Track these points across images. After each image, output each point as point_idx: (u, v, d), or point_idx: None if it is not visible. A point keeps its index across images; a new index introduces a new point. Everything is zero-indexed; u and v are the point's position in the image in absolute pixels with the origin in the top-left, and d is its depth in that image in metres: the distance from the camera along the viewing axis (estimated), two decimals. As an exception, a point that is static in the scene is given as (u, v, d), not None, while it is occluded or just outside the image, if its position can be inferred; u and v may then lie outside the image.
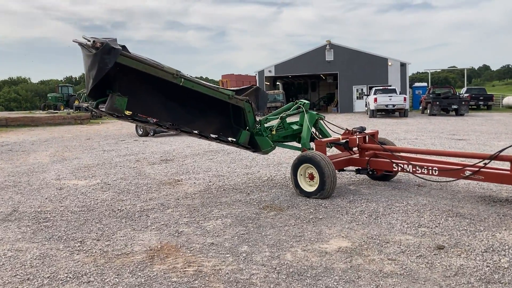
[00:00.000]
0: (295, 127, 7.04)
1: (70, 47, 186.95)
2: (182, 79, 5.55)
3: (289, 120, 7.16)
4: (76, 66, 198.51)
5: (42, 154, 12.20)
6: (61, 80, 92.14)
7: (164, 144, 13.64)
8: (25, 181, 8.13)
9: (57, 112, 35.06)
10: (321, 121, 7.07)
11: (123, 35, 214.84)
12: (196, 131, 6.21)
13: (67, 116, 28.52)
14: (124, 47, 5.10)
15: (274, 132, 6.82)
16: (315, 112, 7.00)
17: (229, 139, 6.65)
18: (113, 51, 4.77)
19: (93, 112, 33.94)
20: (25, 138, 17.53)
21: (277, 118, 7.00)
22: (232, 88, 6.79)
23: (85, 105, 37.79)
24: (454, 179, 5.90)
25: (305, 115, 6.83)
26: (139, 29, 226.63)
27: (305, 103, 6.96)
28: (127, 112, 5.42)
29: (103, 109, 5.21)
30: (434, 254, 3.94)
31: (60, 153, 12.38)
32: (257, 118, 6.72)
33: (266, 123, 6.86)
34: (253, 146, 6.76)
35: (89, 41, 4.84)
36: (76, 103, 41.98)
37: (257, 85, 37.92)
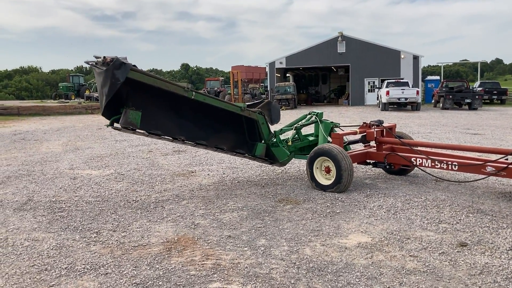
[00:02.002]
0: (311, 138, 6.96)
1: (80, 37, 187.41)
2: (193, 93, 5.57)
3: (304, 132, 7.10)
4: (87, 56, 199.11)
5: (54, 143, 12.23)
6: (72, 70, 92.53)
7: (176, 135, 13.59)
8: (39, 170, 8.14)
9: (68, 102, 35.18)
10: (336, 129, 6.90)
11: (133, 25, 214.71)
12: (211, 145, 6.23)
13: (78, 106, 28.60)
14: (134, 65, 5.14)
15: (290, 143, 6.75)
16: (329, 121, 6.85)
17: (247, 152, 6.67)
18: (124, 66, 4.82)
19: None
20: (37, 127, 17.60)
21: (292, 129, 6.94)
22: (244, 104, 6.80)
23: (95, 95, 37.91)
24: (479, 177, 5.77)
25: (320, 125, 6.71)
26: (149, 19, 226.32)
27: (318, 113, 6.84)
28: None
29: (118, 125, 5.26)
30: (457, 252, 3.85)
31: (73, 142, 12.40)
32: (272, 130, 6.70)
33: (281, 134, 6.80)
34: (270, 157, 6.73)
35: (99, 58, 4.90)
36: (87, 93, 42.11)
37: (267, 76, 37.80)
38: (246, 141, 6.66)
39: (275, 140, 6.67)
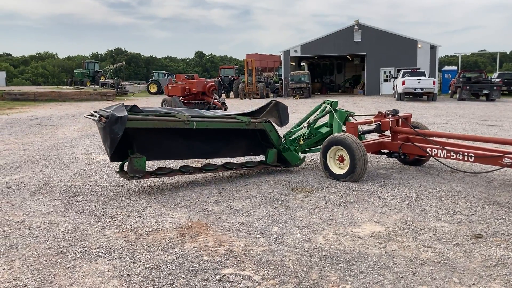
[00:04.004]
0: (324, 130, 6.80)
1: (96, 24, 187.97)
2: (195, 123, 5.63)
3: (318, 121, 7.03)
4: (102, 43, 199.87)
5: (70, 129, 12.36)
6: (87, 56, 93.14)
7: (190, 122, 13.61)
8: (55, 155, 8.24)
9: (83, 88, 35.49)
10: (351, 118, 6.79)
11: (148, 12, 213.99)
12: (221, 164, 6.28)
13: (93, 92, 28.85)
14: (134, 106, 5.49)
15: (302, 142, 6.70)
16: (344, 110, 6.75)
17: (259, 161, 6.70)
18: (120, 120, 4.97)
19: (118, 89, 34.29)
20: (53, 113, 17.80)
21: (301, 128, 6.88)
22: (250, 110, 6.79)
23: (110, 81, 38.16)
24: (495, 168, 5.67)
25: (334, 114, 6.61)
26: (164, 6, 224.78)
27: (333, 102, 6.76)
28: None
29: (127, 171, 5.44)
30: (472, 243, 3.81)
31: (88, 128, 12.52)
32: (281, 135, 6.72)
33: (291, 136, 6.77)
34: (283, 162, 6.69)
35: (95, 116, 5.12)
36: (102, 79, 42.40)
37: (282, 64, 37.60)
38: (260, 144, 6.66)
39: (284, 141, 6.65)
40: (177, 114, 5.67)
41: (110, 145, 5.09)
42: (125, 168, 5.56)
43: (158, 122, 5.39)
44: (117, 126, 4.95)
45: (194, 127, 5.63)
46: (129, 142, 5.43)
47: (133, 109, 5.53)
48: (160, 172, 5.58)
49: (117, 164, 5.77)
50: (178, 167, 5.90)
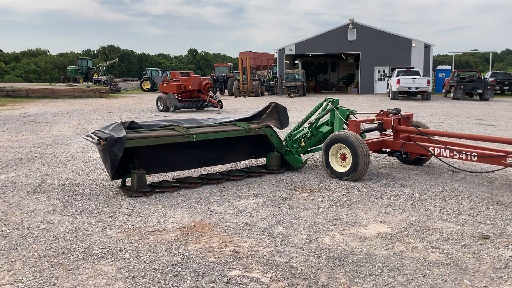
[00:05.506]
0: (325, 129, 6.71)
1: (89, 21, 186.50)
2: (194, 135, 5.61)
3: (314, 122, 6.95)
4: (95, 40, 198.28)
5: (65, 126, 12.21)
6: (80, 53, 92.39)
7: (186, 120, 13.51)
8: (51, 153, 8.12)
9: (76, 85, 35.16)
10: (353, 116, 6.71)
11: (141, 9, 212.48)
12: (224, 172, 6.24)
13: (87, 89, 28.58)
14: (132, 122, 5.51)
15: (303, 144, 6.64)
16: (345, 108, 6.68)
17: (261, 165, 6.66)
18: (119, 140, 4.97)
19: (111, 86, 34.04)
20: (47, 110, 17.60)
21: (302, 130, 6.82)
22: (250, 114, 6.74)
23: (104, 78, 37.88)
24: (496, 168, 5.66)
25: (336, 112, 6.54)
26: (157, 3, 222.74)
27: (334, 100, 6.69)
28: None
29: (129, 187, 5.45)
30: (480, 244, 3.77)
31: (83, 125, 12.38)
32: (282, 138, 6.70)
33: (292, 139, 6.72)
34: (285, 165, 6.61)
35: (94, 138, 5.09)
36: (95, 76, 42.07)
37: (277, 62, 37.53)
38: (262, 146, 6.60)
39: (286, 144, 6.60)
40: (176, 128, 5.66)
41: (111, 166, 5.08)
42: (128, 183, 5.52)
43: (157, 138, 5.36)
44: (117, 147, 4.94)
45: (194, 140, 5.61)
46: (130, 158, 5.39)
47: (131, 125, 5.50)
48: (163, 186, 5.53)
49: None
50: (181, 179, 5.85)
